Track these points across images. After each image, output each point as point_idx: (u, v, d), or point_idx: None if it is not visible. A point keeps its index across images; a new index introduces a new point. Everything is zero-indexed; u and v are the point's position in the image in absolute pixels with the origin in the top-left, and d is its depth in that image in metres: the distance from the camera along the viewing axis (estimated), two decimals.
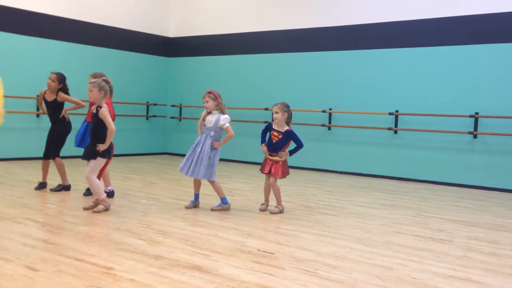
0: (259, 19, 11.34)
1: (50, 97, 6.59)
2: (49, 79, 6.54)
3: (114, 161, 10.16)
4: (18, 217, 5.05)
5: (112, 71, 11.40)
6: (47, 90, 6.63)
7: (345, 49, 10.14)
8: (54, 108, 6.61)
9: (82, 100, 6.78)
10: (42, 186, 6.72)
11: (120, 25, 11.64)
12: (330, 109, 10.19)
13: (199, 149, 5.73)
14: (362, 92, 9.88)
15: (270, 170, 5.83)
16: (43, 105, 6.72)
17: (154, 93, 12.56)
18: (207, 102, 5.78)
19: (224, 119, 5.75)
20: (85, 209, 5.55)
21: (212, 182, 5.81)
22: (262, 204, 6.01)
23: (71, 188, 6.75)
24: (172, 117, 12.77)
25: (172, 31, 12.84)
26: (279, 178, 5.83)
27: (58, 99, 6.54)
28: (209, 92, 5.79)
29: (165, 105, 12.81)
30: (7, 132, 9.57)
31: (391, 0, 9.62)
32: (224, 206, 5.86)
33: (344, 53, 10.16)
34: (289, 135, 5.78)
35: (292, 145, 5.85)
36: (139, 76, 12.14)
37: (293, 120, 10.08)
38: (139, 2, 12.09)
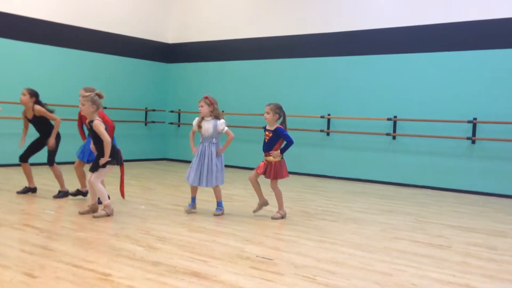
0: (257, 25, 11.37)
1: (29, 115, 6.58)
2: (21, 94, 6.53)
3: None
4: (16, 223, 5.04)
5: (111, 77, 11.45)
6: (24, 110, 6.63)
7: (343, 55, 10.17)
8: (38, 124, 6.60)
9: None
10: (28, 190, 6.74)
11: (119, 31, 11.66)
12: (329, 114, 10.20)
13: (206, 160, 5.74)
14: (360, 98, 9.89)
15: (265, 171, 5.83)
16: (27, 124, 6.71)
17: (153, 99, 12.56)
18: (202, 107, 5.82)
19: (222, 124, 5.80)
20: (81, 213, 5.58)
21: (216, 186, 5.85)
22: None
23: (70, 194, 6.73)
24: (171, 123, 12.78)
25: (171, 37, 12.86)
26: (273, 179, 5.80)
27: (35, 113, 6.48)
28: (206, 97, 5.82)
29: (164, 111, 12.82)
30: (5, 138, 9.57)
31: (390, 7, 9.66)
32: (222, 209, 5.91)
33: (342, 59, 10.18)
34: (277, 132, 5.78)
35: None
36: (138, 82, 12.15)
37: (292, 125, 10.23)
38: (138, 9, 12.11)
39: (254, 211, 5.98)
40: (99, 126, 5.38)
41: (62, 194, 6.64)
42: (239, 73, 11.65)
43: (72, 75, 10.59)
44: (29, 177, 6.78)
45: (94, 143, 5.55)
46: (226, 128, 5.81)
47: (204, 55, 12.24)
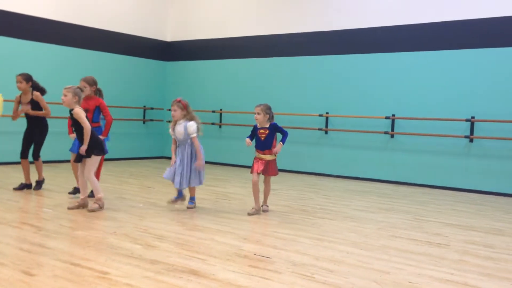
0: (256, 24, 11.36)
1: (26, 99, 6.76)
2: (17, 82, 6.70)
3: (110, 165, 10.15)
4: (14, 222, 5.04)
5: (109, 75, 11.43)
6: (21, 94, 6.82)
7: (341, 53, 10.17)
8: (32, 109, 6.74)
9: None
10: (24, 187, 6.86)
11: (118, 29, 11.64)
12: (327, 113, 10.20)
13: (186, 161, 5.80)
14: (358, 96, 9.89)
15: (263, 169, 5.86)
16: (18, 110, 6.92)
17: (151, 97, 12.55)
18: (174, 111, 5.79)
19: (191, 127, 5.72)
20: (70, 208, 5.66)
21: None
22: (252, 208, 5.97)
23: (67, 193, 6.72)
24: (169, 121, 12.69)
25: (169, 35, 12.85)
26: (275, 175, 5.89)
27: (34, 97, 6.69)
28: (178, 101, 5.79)
29: (162, 109, 12.80)
30: (3, 136, 9.55)
31: (387, 5, 9.65)
32: (195, 202, 6.10)
33: (341, 57, 10.18)
34: (275, 127, 5.86)
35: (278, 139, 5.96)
36: (136, 80, 12.13)
37: (290, 124, 10.27)
38: (137, 7, 12.09)
39: (249, 214, 5.92)
40: (79, 113, 5.52)
41: (41, 183, 6.95)
42: (237, 71, 11.64)
43: (70, 73, 10.54)
44: (27, 174, 6.88)
45: (76, 132, 5.67)
46: (194, 134, 5.74)
47: (203, 53, 12.23)
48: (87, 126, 5.50)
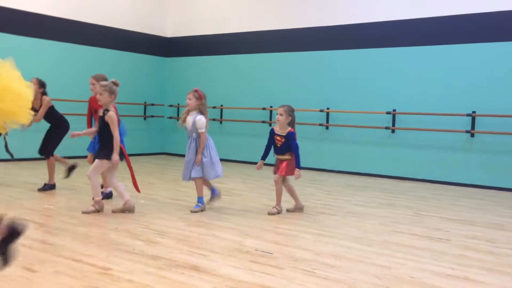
0: (256, 19, 11.34)
1: (36, 104, 6.47)
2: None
3: None
4: (15, 218, 5.04)
5: (109, 71, 11.34)
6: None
7: (342, 48, 10.15)
8: (46, 114, 6.65)
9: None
10: (49, 187, 6.73)
11: (118, 25, 11.63)
12: (328, 108, 10.20)
13: (190, 155, 5.70)
14: (359, 91, 9.88)
15: (278, 169, 5.78)
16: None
17: (152, 93, 12.55)
18: (189, 99, 5.71)
19: (199, 121, 5.62)
20: (114, 211, 5.46)
21: (197, 179, 5.71)
22: (273, 208, 5.79)
23: (70, 189, 6.73)
24: (170, 117, 12.76)
25: (169, 31, 12.83)
26: (283, 175, 5.73)
27: (42, 102, 6.54)
28: (195, 91, 5.74)
29: (163, 105, 12.80)
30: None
31: (388, 0, 9.63)
32: (202, 206, 5.72)
33: (341, 52, 10.16)
34: (289, 138, 5.69)
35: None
36: (136, 76, 12.12)
37: None
38: (137, 2, 12.08)
39: (269, 213, 5.74)
40: (113, 119, 5.30)
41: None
42: (237, 67, 11.63)
43: (70, 69, 10.56)
44: (51, 172, 6.75)
45: (99, 132, 5.44)
46: (203, 129, 5.62)
47: (203, 49, 12.21)
48: (116, 135, 5.27)
